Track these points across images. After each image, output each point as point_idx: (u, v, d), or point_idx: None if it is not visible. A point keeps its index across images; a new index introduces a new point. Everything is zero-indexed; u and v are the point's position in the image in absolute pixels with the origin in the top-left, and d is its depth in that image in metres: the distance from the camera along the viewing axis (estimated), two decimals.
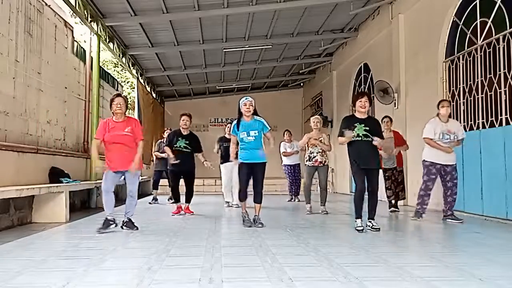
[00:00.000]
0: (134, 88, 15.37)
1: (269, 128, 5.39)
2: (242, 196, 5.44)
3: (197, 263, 3.21)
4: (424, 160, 5.78)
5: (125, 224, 5.04)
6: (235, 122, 5.40)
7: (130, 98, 21.09)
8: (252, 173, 5.34)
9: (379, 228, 4.86)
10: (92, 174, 8.62)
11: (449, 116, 5.82)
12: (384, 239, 4.50)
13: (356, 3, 9.43)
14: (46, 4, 7.36)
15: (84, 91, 9.04)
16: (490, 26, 6.31)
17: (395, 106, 8.91)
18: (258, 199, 5.37)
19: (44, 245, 4.10)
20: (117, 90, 11.94)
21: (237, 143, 5.48)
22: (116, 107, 4.98)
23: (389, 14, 9.36)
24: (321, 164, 6.85)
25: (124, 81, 20.70)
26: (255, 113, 5.41)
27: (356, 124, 4.93)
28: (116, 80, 12.63)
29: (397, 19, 8.87)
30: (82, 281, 2.72)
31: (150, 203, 9.09)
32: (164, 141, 7.83)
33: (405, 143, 7.23)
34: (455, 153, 5.71)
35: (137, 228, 5.01)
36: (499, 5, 6.10)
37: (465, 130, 6.76)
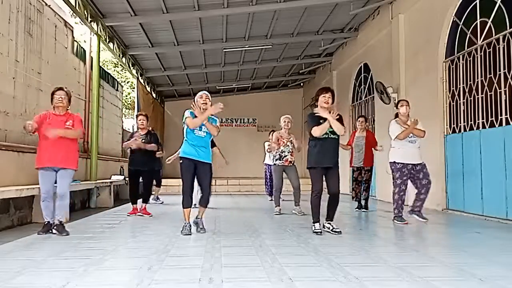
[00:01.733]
0: (134, 88, 15.38)
1: (218, 123, 4.84)
2: (186, 202, 4.74)
3: (197, 263, 3.21)
4: (394, 162, 5.61)
5: (55, 228, 4.63)
6: (192, 111, 4.74)
7: (130, 98, 21.19)
8: (197, 173, 4.76)
9: (340, 231, 4.66)
10: (92, 174, 8.62)
11: (408, 116, 5.74)
12: (384, 239, 4.50)
13: (356, 3, 9.43)
14: (46, 4, 7.37)
15: (84, 91, 9.05)
16: (490, 26, 6.31)
17: (395, 106, 8.90)
18: (204, 202, 4.84)
19: (44, 245, 4.10)
20: (117, 90, 11.96)
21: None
22: (57, 100, 4.64)
23: (389, 14, 9.36)
24: (290, 164, 6.82)
25: (124, 81, 20.71)
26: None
27: (321, 122, 4.68)
28: (116, 80, 12.64)
29: (397, 19, 8.87)
30: (82, 281, 2.72)
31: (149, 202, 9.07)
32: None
33: (376, 143, 7.15)
34: (419, 152, 5.63)
35: (67, 234, 4.56)
36: (499, 5, 6.10)
37: (465, 130, 6.79)
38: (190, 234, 4.66)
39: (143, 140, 6.40)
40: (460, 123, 6.96)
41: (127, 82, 21.27)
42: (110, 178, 9.62)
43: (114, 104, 11.85)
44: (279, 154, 6.87)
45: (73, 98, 8.39)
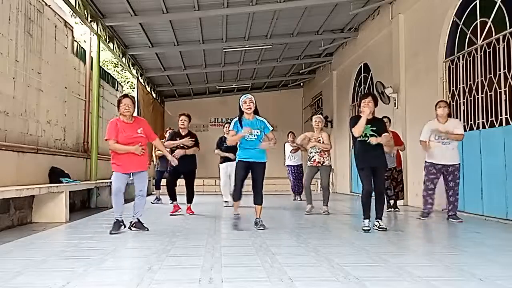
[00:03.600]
0: (134, 88, 15.37)
1: (271, 129, 5.28)
2: (236, 196, 5.24)
3: (197, 263, 3.21)
4: (425, 161, 5.84)
5: (134, 225, 5.00)
6: (236, 119, 5.23)
7: None
8: (252, 173, 5.19)
9: (386, 228, 4.87)
10: (92, 174, 8.61)
11: (449, 116, 5.82)
12: (384, 239, 4.50)
13: (356, 3, 9.43)
14: (46, 4, 7.36)
15: (84, 91, 9.04)
16: (490, 26, 6.31)
17: (395, 106, 8.91)
18: (258, 200, 5.20)
19: (44, 245, 4.10)
20: (117, 90, 11.95)
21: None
22: (124, 109, 4.92)
23: (389, 14, 9.36)
24: (320, 164, 6.83)
25: (124, 81, 20.70)
26: (256, 112, 5.27)
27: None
28: (116, 80, 12.63)
29: (397, 19, 8.87)
30: (82, 281, 2.72)
31: (152, 202, 9.10)
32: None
33: (402, 144, 7.27)
34: (459, 153, 5.72)
35: (147, 229, 4.95)
36: (499, 5, 6.10)
37: (465, 130, 6.77)
38: (237, 229, 5.03)
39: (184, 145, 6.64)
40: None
41: (127, 82, 21.26)
42: (110, 178, 9.60)
43: (114, 104, 11.82)
44: (308, 156, 6.97)
45: (73, 98, 8.42)
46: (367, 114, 4.87)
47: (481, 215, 6.21)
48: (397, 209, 7.13)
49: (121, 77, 21.01)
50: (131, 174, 5.02)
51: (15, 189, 5.15)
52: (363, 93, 11.34)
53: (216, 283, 2.64)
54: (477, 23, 6.61)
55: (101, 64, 9.82)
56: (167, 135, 8.88)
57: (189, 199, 6.86)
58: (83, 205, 8.39)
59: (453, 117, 7.11)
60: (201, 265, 3.14)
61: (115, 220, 4.90)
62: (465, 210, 6.60)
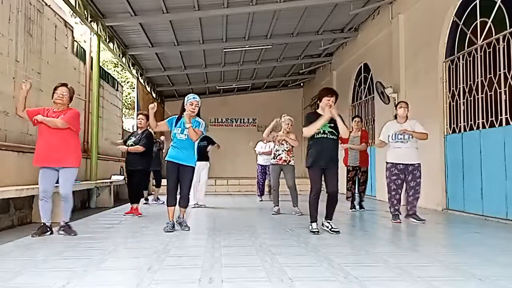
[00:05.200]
0: (134, 88, 15.38)
1: (202, 129, 4.93)
2: (170, 201, 4.94)
3: (197, 263, 3.21)
4: (386, 162, 5.75)
5: (62, 229, 4.58)
6: (175, 116, 5.03)
7: (130, 98, 21.19)
8: (179, 175, 4.93)
9: (338, 231, 4.68)
10: (92, 174, 8.61)
11: (407, 117, 5.72)
12: (384, 239, 4.50)
13: (356, 3, 9.43)
14: (46, 4, 7.37)
15: (84, 91, 9.04)
16: (490, 26, 6.31)
17: (395, 106, 8.90)
18: (184, 203, 5.02)
19: (44, 245, 4.10)
20: (117, 90, 11.96)
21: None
22: (56, 97, 4.52)
23: (389, 14, 9.36)
24: (285, 163, 6.70)
25: (124, 81, 20.71)
26: (198, 114, 5.04)
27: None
28: (116, 80, 12.63)
29: (397, 19, 8.87)
30: (82, 281, 2.72)
31: (151, 203, 9.08)
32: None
33: (365, 142, 7.09)
34: (417, 153, 5.61)
35: (75, 233, 4.53)
36: (499, 5, 6.10)
37: (465, 130, 6.78)
38: (172, 232, 4.80)
39: (132, 143, 6.39)
40: (460, 123, 6.96)
41: (127, 82, 21.27)
42: (110, 178, 9.61)
43: (114, 104, 11.84)
44: (274, 153, 6.84)
45: (73, 98, 8.42)
46: (327, 118, 4.56)
47: (481, 215, 6.20)
48: (362, 209, 7.11)
49: (121, 77, 21.01)
50: (58, 172, 4.51)
51: (15, 189, 5.15)
52: (364, 93, 11.43)
53: (216, 283, 2.64)
54: (477, 23, 6.61)
55: (101, 64, 9.82)
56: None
57: (134, 200, 6.52)
58: (83, 205, 8.39)
59: (453, 117, 7.13)
60: (201, 265, 3.14)
61: (42, 223, 4.56)
62: (465, 210, 6.60)
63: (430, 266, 3.18)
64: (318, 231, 4.68)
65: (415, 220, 5.62)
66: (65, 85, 4.66)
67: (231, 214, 7.07)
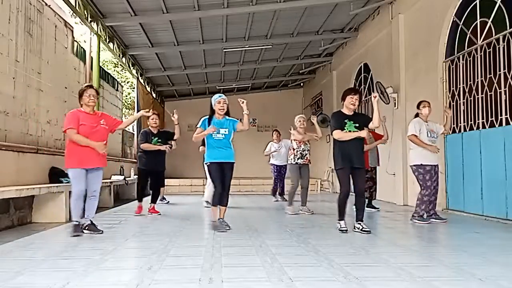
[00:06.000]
0: (134, 88, 15.37)
1: (238, 121, 5.14)
2: (217, 200, 5.01)
3: (197, 263, 3.21)
4: (422, 165, 5.56)
5: (86, 227, 4.67)
6: (206, 117, 5.13)
7: (130, 98, 21.18)
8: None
9: (369, 231, 4.74)
10: None
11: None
12: (384, 239, 4.50)
13: (356, 3, 9.43)
14: (46, 4, 7.36)
15: None
16: (490, 26, 6.31)
17: (395, 106, 8.91)
18: (225, 201, 5.04)
19: (44, 245, 4.10)
20: (117, 90, 11.96)
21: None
22: (88, 100, 4.63)
23: (389, 14, 9.36)
24: (309, 162, 6.85)
25: (124, 81, 20.70)
26: (227, 113, 5.18)
27: (346, 121, 4.80)
28: (116, 80, 12.64)
29: (397, 19, 8.87)
30: (82, 281, 2.72)
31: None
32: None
33: (382, 136, 7.11)
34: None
35: (102, 232, 4.67)
36: (499, 5, 6.10)
37: (465, 130, 6.79)
38: (225, 232, 4.83)
39: (160, 141, 6.56)
40: (460, 123, 6.96)
41: (127, 82, 21.26)
42: (110, 178, 9.61)
43: (114, 104, 11.84)
44: (300, 153, 6.82)
45: (73, 98, 8.42)
46: (361, 135, 4.70)
47: (481, 215, 6.20)
48: (377, 209, 7.15)
49: (121, 77, 21.00)
50: (87, 171, 4.65)
51: (15, 189, 5.15)
52: (364, 92, 11.42)
53: (216, 283, 2.64)
54: (477, 23, 6.61)
55: (101, 64, 9.82)
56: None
57: (153, 199, 6.74)
58: None
59: (453, 117, 7.12)
60: (201, 265, 3.14)
61: (76, 223, 4.62)
62: (465, 210, 6.60)
63: (430, 266, 3.18)
64: (347, 230, 4.75)
65: (436, 220, 5.64)
66: (92, 86, 4.84)
67: (231, 214, 7.06)
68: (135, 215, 6.50)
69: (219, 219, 5.05)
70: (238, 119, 5.15)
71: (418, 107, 5.78)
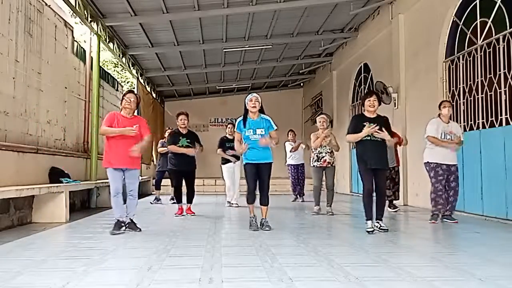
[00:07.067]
0: (134, 88, 15.36)
1: (276, 128, 5.12)
2: (251, 199, 5.12)
3: (197, 263, 3.21)
4: (428, 162, 5.65)
5: (127, 226, 4.97)
6: (240, 118, 5.14)
7: None
8: (258, 174, 5.08)
9: (387, 229, 4.82)
10: (92, 174, 8.61)
11: (450, 118, 5.78)
12: (384, 239, 4.50)
13: (356, 3, 9.43)
14: (46, 4, 7.36)
15: (84, 91, 9.04)
16: (490, 26, 6.31)
17: (395, 106, 8.91)
18: (265, 201, 5.12)
19: (44, 245, 4.10)
20: (117, 90, 11.95)
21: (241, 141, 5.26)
22: (125, 102, 4.98)
23: (389, 14, 9.36)
24: (329, 165, 6.71)
25: (124, 81, 20.70)
26: (261, 111, 5.19)
27: (365, 123, 4.86)
28: (116, 80, 12.63)
29: (397, 19, 8.87)
30: (82, 281, 2.72)
31: (151, 203, 9.11)
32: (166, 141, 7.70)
33: (400, 137, 7.15)
34: (455, 153, 5.70)
35: (140, 230, 4.95)
36: (499, 5, 6.10)
37: (465, 130, 6.79)
38: (257, 230, 4.89)
39: (188, 141, 6.62)
40: (460, 123, 6.96)
41: (127, 82, 21.26)
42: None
43: (114, 104, 11.84)
44: (317, 155, 6.78)
45: (73, 98, 8.42)
46: (366, 133, 4.78)
47: (481, 215, 6.20)
48: (397, 209, 7.15)
49: (121, 77, 21.00)
50: (123, 172, 4.96)
51: (15, 189, 5.15)
52: (364, 92, 11.41)
53: (216, 283, 2.64)
54: (477, 23, 6.61)
55: (101, 64, 9.82)
56: (166, 134, 8.88)
57: (190, 199, 6.85)
58: (83, 205, 8.39)
59: (453, 117, 7.12)
60: (201, 265, 3.14)
61: (116, 220, 4.91)
62: (465, 210, 6.60)
63: (430, 266, 3.18)
64: (373, 230, 4.75)
65: (449, 221, 5.62)
66: (132, 92, 5.24)
67: (231, 214, 7.07)
68: (175, 216, 6.59)
69: (262, 219, 5.11)
70: (272, 120, 5.16)
71: (439, 107, 5.78)
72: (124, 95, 5.07)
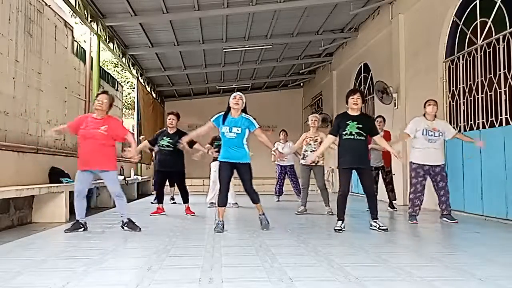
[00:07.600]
0: (134, 88, 15.37)
1: (258, 126, 4.90)
2: (222, 202, 4.86)
3: (197, 263, 3.21)
4: (411, 162, 5.67)
5: (125, 225, 4.94)
6: (222, 113, 4.99)
7: (130, 98, 21.19)
8: (238, 175, 4.98)
9: (387, 228, 4.81)
10: None
11: (435, 116, 5.72)
12: (384, 239, 4.50)
13: (356, 3, 9.43)
14: (46, 4, 7.37)
15: (84, 91, 9.04)
16: (490, 26, 6.31)
17: (395, 106, 8.91)
18: (255, 199, 4.99)
19: (44, 245, 4.10)
20: (117, 90, 11.96)
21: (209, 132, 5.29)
22: (97, 104, 4.84)
23: (389, 14, 9.36)
24: (314, 164, 6.61)
25: (124, 81, 20.71)
26: (244, 111, 5.03)
27: (348, 122, 4.81)
28: (116, 80, 12.64)
29: (397, 19, 8.87)
30: (82, 281, 2.72)
31: (152, 202, 9.10)
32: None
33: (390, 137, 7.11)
34: (443, 154, 5.67)
35: (140, 229, 4.91)
36: (499, 5, 6.10)
37: (465, 130, 6.78)
38: (222, 232, 4.79)
39: (170, 142, 6.46)
40: (460, 123, 6.96)
41: (127, 82, 21.27)
42: None
43: (114, 104, 11.84)
44: (303, 154, 6.80)
45: (73, 98, 8.42)
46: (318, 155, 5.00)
47: (481, 215, 6.20)
48: (395, 209, 7.14)
49: (121, 77, 21.01)
50: (96, 175, 4.88)
51: (15, 189, 5.15)
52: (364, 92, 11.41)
53: (216, 283, 2.64)
54: (477, 23, 6.61)
55: (101, 64, 9.82)
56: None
57: (184, 200, 6.75)
58: None
59: (453, 117, 7.12)
60: (201, 265, 3.14)
61: (76, 220, 4.88)
62: (465, 210, 6.60)
63: (430, 266, 3.18)
64: (340, 229, 4.75)
65: (448, 220, 5.62)
66: (105, 92, 5.06)
67: (231, 214, 7.07)
68: (150, 215, 6.53)
69: (259, 215, 5.08)
70: (255, 119, 5.00)
71: (424, 105, 5.78)
72: (97, 96, 4.99)
